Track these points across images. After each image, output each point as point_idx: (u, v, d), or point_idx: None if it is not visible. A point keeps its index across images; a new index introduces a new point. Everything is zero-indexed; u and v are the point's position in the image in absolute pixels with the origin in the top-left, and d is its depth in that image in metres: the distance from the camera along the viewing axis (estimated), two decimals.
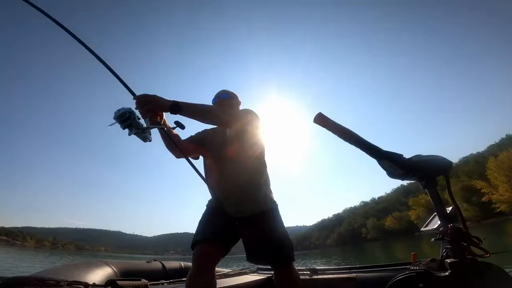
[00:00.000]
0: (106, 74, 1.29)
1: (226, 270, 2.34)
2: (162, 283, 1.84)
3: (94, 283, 1.45)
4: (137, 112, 1.21)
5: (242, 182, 1.49)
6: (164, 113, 1.32)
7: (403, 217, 73.30)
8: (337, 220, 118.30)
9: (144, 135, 1.23)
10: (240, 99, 1.79)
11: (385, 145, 1.21)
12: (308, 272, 2.07)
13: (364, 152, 1.12)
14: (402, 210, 78.34)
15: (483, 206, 41.29)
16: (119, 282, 1.37)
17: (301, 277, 1.95)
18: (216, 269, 1.84)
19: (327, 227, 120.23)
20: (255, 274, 2.29)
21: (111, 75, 1.29)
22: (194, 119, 1.30)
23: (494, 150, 51.50)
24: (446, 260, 1.02)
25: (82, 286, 1.33)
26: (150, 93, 1.22)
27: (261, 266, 2.39)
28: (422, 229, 1.48)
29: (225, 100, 1.70)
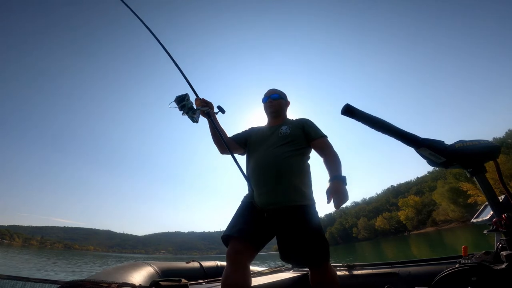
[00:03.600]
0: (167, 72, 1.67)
1: (261, 269, 2.38)
2: (201, 283, 1.92)
3: (140, 285, 1.54)
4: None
5: (279, 173, 1.46)
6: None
7: (392, 217, 74.67)
8: (328, 220, 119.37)
9: (193, 116, 1.61)
10: (288, 99, 1.83)
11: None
12: (346, 268, 2.06)
13: (400, 142, 1.04)
14: (392, 210, 79.85)
15: (469, 208, 42.53)
16: (162, 283, 1.45)
17: (338, 273, 1.93)
18: (251, 267, 1.84)
19: None
20: (290, 271, 2.30)
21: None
22: None
23: None
24: (502, 252, 0.94)
25: (129, 287, 1.42)
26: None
27: None
28: (472, 220, 1.37)
29: (276, 100, 1.73)
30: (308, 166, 1.60)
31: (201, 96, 1.75)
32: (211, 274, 2.22)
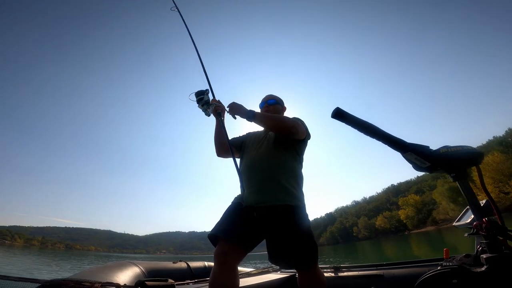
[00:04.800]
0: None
1: (248, 269, 2.38)
2: (188, 283, 1.88)
3: (125, 284, 1.51)
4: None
5: (268, 172, 1.49)
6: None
7: (393, 217, 74.68)
8: (329, 219, 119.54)
9: (207, 110, 1.75)
10: (285, 105, 1.85)
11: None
12: (332, 270, 2.06)
13: (387, 146, 1.07)
14: (392, 209, 79.84)
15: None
16: (147, 283, 1.42)
17: (325, 274, 1.92)
18: (239, 268, 1.80)
19: (319, 226, 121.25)
20: (278, 272, 2.30)
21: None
22: (264, 126, 1.64)
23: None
24: (482, 255, 0.97)
25: (114, 287, 1.39)
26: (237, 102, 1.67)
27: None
28: (454, 223, 1.39)
29: (272, 105, 1.76)
30: (300, 168, 1.61)
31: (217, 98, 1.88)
32: (198, 274, 2.21)
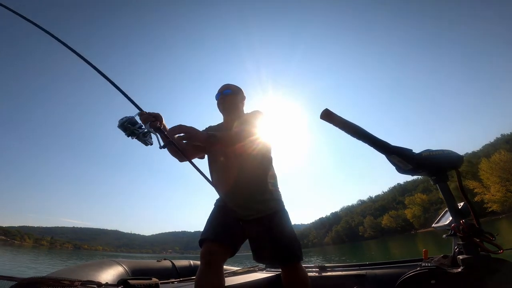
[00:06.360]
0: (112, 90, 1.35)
1: (235, 268, 2.35)
2: (172, 282, 1.85)
3: (106, 283, 1.47)
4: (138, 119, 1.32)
5: (246, 185, 1.46)
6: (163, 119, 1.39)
7: (399, 216, 73.95)
8: (334, 219, 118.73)
9: (144, 139, 1.31)
10: (245, 94, 1.72)
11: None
12: (317, 269, 2.07)
13: (372, 148, 1.09)
14: (399, 208, 79.02)
15: (475, 206, 41.78)
16: (130, 282, 1.40)
17: (310, 274, 1.95)
18: (225, 267, 1.82)
19: (324, 225, 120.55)
20: (264, 271, 2.29)
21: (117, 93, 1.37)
22: (226, 149, 1.43)
23: (489, 150, 52.24)
24: (459, 256, 1.00)
25: (95, 286, 1.35)
26: (184, 124, 1.25)
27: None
28: (433, 225, 1.43)
29: (228, 95, 1.63)
30: (272, 167, 1.59)
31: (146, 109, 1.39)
32: (183, 273, 2.17)
